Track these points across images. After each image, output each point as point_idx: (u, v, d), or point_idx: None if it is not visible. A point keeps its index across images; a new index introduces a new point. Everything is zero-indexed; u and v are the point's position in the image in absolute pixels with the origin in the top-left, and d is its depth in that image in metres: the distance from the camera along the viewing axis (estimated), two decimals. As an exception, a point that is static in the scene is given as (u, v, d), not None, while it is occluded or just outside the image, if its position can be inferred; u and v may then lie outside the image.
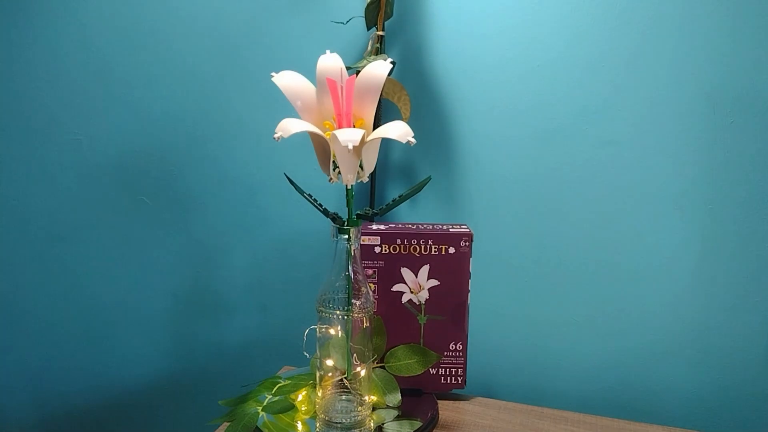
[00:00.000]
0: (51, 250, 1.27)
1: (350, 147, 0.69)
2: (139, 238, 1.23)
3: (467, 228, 0.97)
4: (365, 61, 0.97)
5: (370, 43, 1.00)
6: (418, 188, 0.84)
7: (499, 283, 1.08)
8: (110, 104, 1.21)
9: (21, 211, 1.27)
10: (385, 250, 0.95)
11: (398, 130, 0.72)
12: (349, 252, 0.85)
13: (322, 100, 0.79)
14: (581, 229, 1.03)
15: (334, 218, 0.84)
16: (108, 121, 1.20)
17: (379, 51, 1.00)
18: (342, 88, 0.72)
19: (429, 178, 0.83)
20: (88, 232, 1.25)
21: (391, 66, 0.77)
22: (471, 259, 0.95)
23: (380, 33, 1.00)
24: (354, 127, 0.78)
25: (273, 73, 0.78)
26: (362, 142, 0.74)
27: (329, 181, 0.81)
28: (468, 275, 0.95)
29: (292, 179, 0.83)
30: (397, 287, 0.95)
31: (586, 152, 1.02)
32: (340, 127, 0.77)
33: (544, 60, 1.01)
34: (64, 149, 1.23)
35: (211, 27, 1.14)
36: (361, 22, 1.02)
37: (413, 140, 0.72)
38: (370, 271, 0.96)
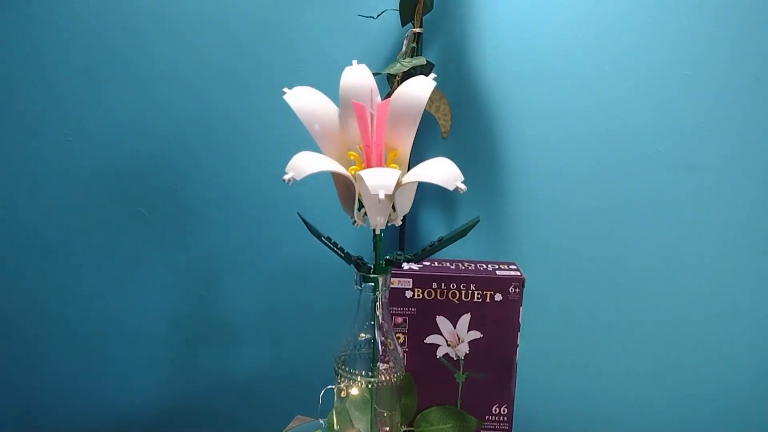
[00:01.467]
0: (37, 265, 1.13)
1: (381, 196, 0.53)
2: (135, 255, 1.09)
3: (516, 269, 0.81)
4: (398, 65, 0.80)
5: (405, 42, 0.83)
6: (464, 231, 0.68)
7: (550, 334, 0.93)
8: (106, 102, 1.06)
9: (3, 219, 1.13)
10: (419, 295, 0.80)
11: (443, 173, 0.56)
12: (375, 304, 0.70)
13: (346, 124, 0.63)
14: (651, 272, 0.88)
15: (358, 264, 0.69)
16: (102, 121, 1.06)
17: (415, 52, 0.83)
18: (372, 116, 0.56)
19: (477, 220, 0.67)
20: (78, 245, 1.11)
21: (434, 84, 0.61)
22: (521, 307, 0.79)
23: (417, 30, 0.83)
24: (386, 159, 0.62)
25: (285, 89, 0.63)
26: (397, 183, 0.57)
27: (353, 224, 0.65)
28: (517, 327, 0.80)
29: (309, 217, 0.68)
30: (431, 339, 0.80)
31: (662, 179, 0.86)
32: (368, 160, 0.61)
33: (616, 64, 0.84)
34: (52, 151, 1.09)
35: (221, 21, 0.99)
36: (394, 16, 0.85)
37: (463, 187, 0.55)
38: (399, 320, 0.80)
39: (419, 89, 0.59)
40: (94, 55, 1.05)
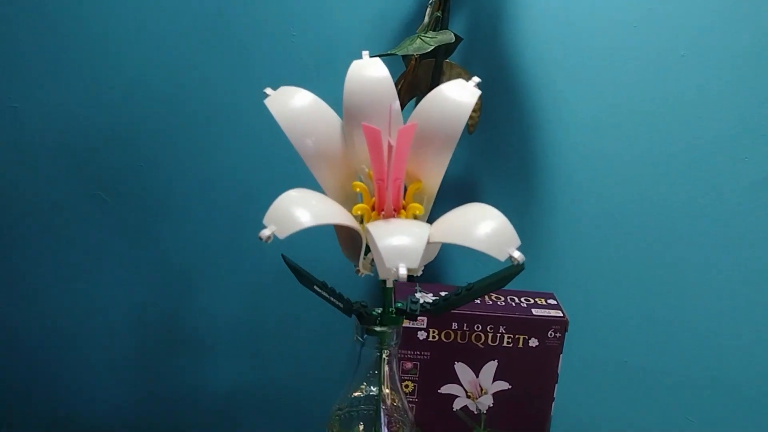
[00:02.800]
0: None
1: (402, 272, 0.36)
2: (94, 246, 0.93)
3: (557, 305, 0.66)
4: (419, 42, 0.62)
5: (428, 11, 0.65)
6: (502, 280, 0.52)
7: (593, 384, 0.78)
8: (59, 63, 0.88)
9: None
10: (434, 337, 0.65)
11: (490, 235, 0.39)
12: (380, 363, 0.55)
13: (352, 142, 0.45)
14: (723, 315, 0.72)
15: (360, 313, 0.53)
16: (55, 86, 0.88)
17: (439, 24, 0.65)
18: (392, 147, 0.39)
19: (521, 268, 0.50)
20: (26, 231, 0.95)
21: (479, 93, 0.43)
22: (561, 354, 0.64)
23: (444, -5, 0.65)
24: (406, 196, 0.45)
25: (267, 90, 0.45)
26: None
27: (357, 272, 0.49)
28: (555, 378, 0.65)
29: (297, 264, 0.52)
30: (447, 389, 0.66)
31: (744, 198, 0.69)
32: (380, 197, 0.44)
33: (693, 47, 0.67)
34: (-6, 119, 0.91)
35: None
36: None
37: (519, 256, 0.38)
38: (409, 365, 0.65)
39: (458, 104, 0.42)
40: (44, 6, 0.86)
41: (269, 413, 0.94)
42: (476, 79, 0.44)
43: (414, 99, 0.69)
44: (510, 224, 0.40)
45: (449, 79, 0.68)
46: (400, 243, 0.38)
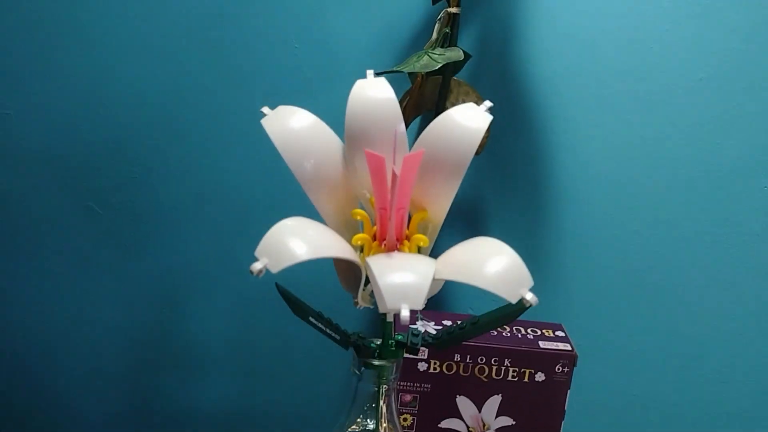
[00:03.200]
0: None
1: (405, 313, 0.34)
2: (84, 258, 0.91)
3: (565, 337, 0.63)
4: (426, 59, 0.59)
5: (436, 27, 0.62)
6: (510, 315, 0.49)
7: (599, 423, 0.75)
8: (55, 70, 0.85)
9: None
10: (435, 368, 0.61)
11: (502, 274, 0.36)
12: (378, 399, 0.52)
13: (353, 167, 0.42)
14: (736, 354, 0.69)
15: (358, 346, 0.50)
16: (49, 93, 0.86)
17: (449, 40, 0.62)
18: (396, 176, 0.35)
19: (528, 305, 0.47)
20: (14, 241, 0.92)
21: (491, 118, 0.40)
22: (569, 390, 0.61)
23: (453, 10, 0.62)
24: (410, 226, 0.42)
25: (264, 109, 0.42)
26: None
27: (355, 305, 0.46)
28: (562, 415, 0.62)
29: (291, 292, 0.49)
30: (448, 423, 0.63)
31: (755, 226, 0.66)
32: (382, 226, 0.41)
33: (717, 68, 0.64)
34: (-15, 126, 0.88)
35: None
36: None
37: (531, 299, 0.35)
38: (408, 397, 0.62)
39: (468, 129, 0.39)
40: (38, 13, 0.83)
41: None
42: (488, 104, 0.41)
43: (419, 117, 0.66)
44: (522, 262, 0.37)
45: (457, 98, 0.66)
46: (403, 281, 0.35)
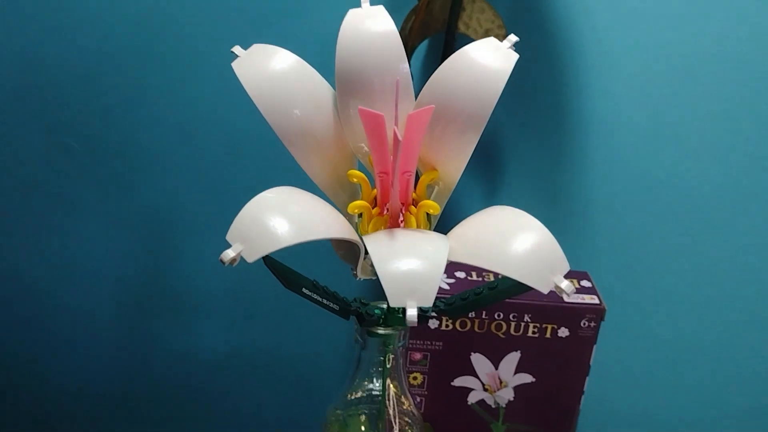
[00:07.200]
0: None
1: (412, 313, 0.27)
2: (66, 199, 0.85)
3: (592, 288, 0.57)
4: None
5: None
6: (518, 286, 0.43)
7: (626, 377, 0.70)
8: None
9: None
10: (447, 326, 0.56)
11: (532, 261, 0.29)
12: (384, 370, 0.47)
13: (346, 117, 0.35)
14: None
15: (360, 314, 0.44)
16: (13, 17, 0.78)
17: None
18: (399, 140, 0.28)
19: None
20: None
21: (516, 56, 0.32)
22: (595, 345, 0.55)
23: None
24: (417, 188, 0.35)
25: (236, 49, 0.35)
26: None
27: (354, 275, 0.40)
28: (586, 371, 0.57)
29: (280, 262, 0.43)
30: (461, 381, 0.58)
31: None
32: (383, 190, 0.34)
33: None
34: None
35: None
36: None
37: (566, 287, 0.29)
38: (418, 355, 0.57)
39: (490, 72, 0.31)
40: None
41: (262, 379, 0.88)
42: (513, 38, 0.33)
43: (427, 41, 0.58)
44: (554, 240, 0.30)
45: (470, 16, 0.57)
46: (409, 269, 0.29)
